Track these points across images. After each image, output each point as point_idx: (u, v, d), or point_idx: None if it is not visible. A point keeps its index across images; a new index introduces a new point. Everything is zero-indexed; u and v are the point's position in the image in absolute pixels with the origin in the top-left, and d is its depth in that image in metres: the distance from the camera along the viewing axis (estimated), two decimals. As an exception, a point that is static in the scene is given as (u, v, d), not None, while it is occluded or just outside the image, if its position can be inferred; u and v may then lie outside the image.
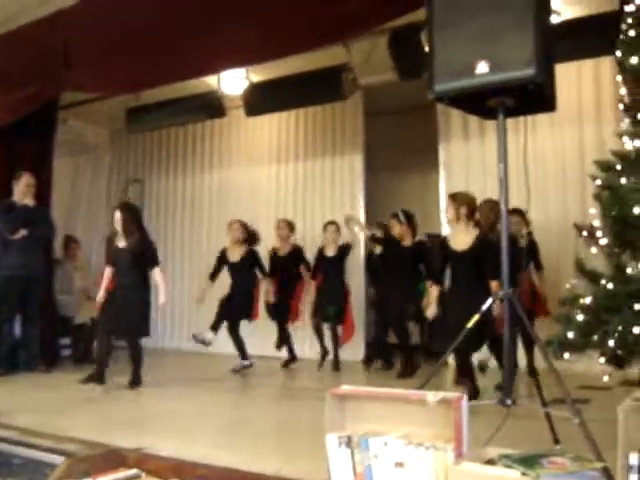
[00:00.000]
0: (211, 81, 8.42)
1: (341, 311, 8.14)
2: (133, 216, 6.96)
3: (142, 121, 8.99)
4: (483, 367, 6.20)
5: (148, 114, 8.81)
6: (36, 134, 8.48)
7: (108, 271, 6.99)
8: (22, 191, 7.72)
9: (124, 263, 6.81)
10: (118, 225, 6.82)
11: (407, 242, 7.83)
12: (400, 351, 7.60)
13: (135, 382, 6.69)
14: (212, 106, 8.49)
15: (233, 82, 8.42)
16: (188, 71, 6.95)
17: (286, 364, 8.45)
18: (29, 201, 7.74)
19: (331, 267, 8.23)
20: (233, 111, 9.20)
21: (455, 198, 5.77)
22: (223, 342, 8.70)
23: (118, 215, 6.84)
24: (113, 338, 7.01)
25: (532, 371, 6.19)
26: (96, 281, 7.83)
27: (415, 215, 7.94)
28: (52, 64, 7.43)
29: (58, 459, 3.77)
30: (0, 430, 4.56)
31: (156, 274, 6.84)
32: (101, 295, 6.89)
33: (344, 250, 8.22)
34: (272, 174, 9.96)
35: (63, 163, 9.98)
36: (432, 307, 5.94)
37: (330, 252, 8.26)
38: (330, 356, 8.14)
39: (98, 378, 6.59)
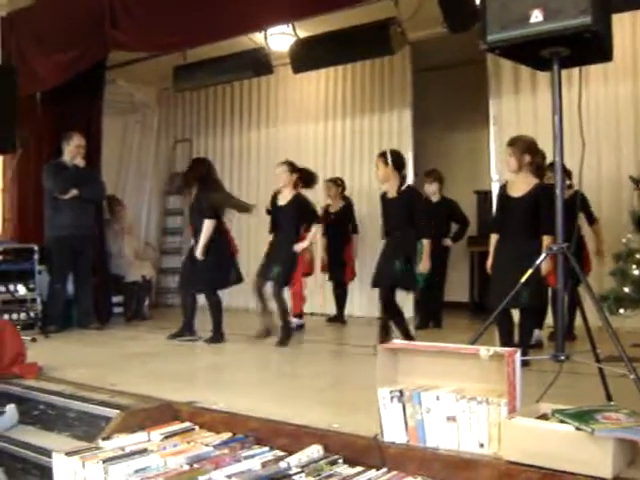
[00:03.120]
0: (258, 38, 8.35)
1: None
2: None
3: (189, 79, 8.96)
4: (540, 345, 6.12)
5: (195, 72, 8.77)
6: (85, 94, 8.53)
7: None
8: (72, 152, 7.80)
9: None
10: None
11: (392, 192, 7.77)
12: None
13: (214, 338, 6.83)
14: (259, 63, 8.41)
15: (280, 38, 8.33)
16: (234, 28, 6.89)
17: (332, 320, 8.51)
18: (79, 162, 7.82)
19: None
20: (280, 68, 9.13)
21: (517, 146, 5.46)
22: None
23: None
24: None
25: (570, 332, 6.11)
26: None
27: (404, 159, 7.04)
28: (98, 24, 7.43)
29: (112, 412, 3.84)
30: (54, 384, 4.66)
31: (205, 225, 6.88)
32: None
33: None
34: (319, 131, 9.89)
35: (112, 123, 10.03)
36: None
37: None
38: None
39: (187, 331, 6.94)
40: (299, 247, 6.81)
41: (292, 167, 7.06)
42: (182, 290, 7.23)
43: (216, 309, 6.91)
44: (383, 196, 6.57)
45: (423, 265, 6.20)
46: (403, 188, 6.39)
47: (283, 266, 6.75)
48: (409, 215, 6.26)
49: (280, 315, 6.75)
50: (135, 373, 5.16)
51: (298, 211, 6.93)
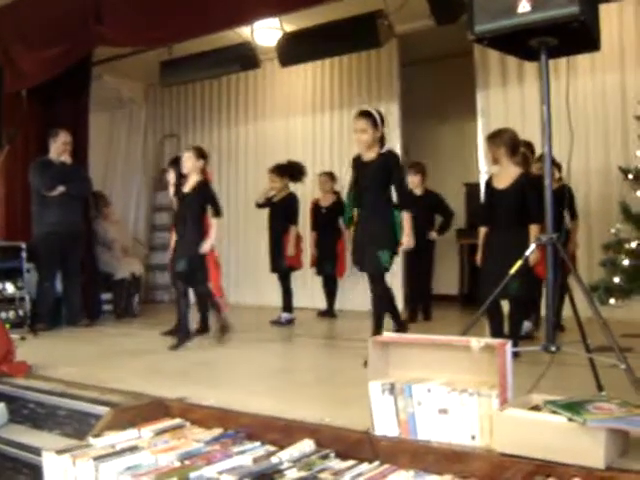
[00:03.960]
0: (244, 32, 8.33)
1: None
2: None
3: (176, 74, 8.94)
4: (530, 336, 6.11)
5: (182, 67, 8.75)
6: (71, 91, 8.48)
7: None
8: (59, 149, 7.76)
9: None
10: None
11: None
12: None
13: (223, 329, 6.69)
14: (246, 57, 8.39)
15: (266, 32, 8.32)
16: (221, 22, 6.86)
17: (323, 314, 8.52)
18: (66, 158, 7.79)
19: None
20: (267, 62, 9.13)
21: (494, 139, 5.51)
22: (257, 294, 8.79)
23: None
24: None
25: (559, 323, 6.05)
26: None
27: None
28: (83, 20, 7.38)
29: (103, 410, 3.81)
30: (44, 382, 4.63)
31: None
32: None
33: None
34: (308, 124, 9.88)
35: (99, 119, 10.00)
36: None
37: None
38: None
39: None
40: (205, 248, 6.45)
41: (198, 153, 6.66)
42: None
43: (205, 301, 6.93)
44: (356, 162, 5.67)
45: (406, 240, 5.37)
46: (383, 151, 5.48)
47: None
48: (387, 182, 5.44)
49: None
50: (125, 370, 5.13)
51: (201, 199, 6.57)
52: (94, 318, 8.24)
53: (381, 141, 5.49)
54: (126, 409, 3.70)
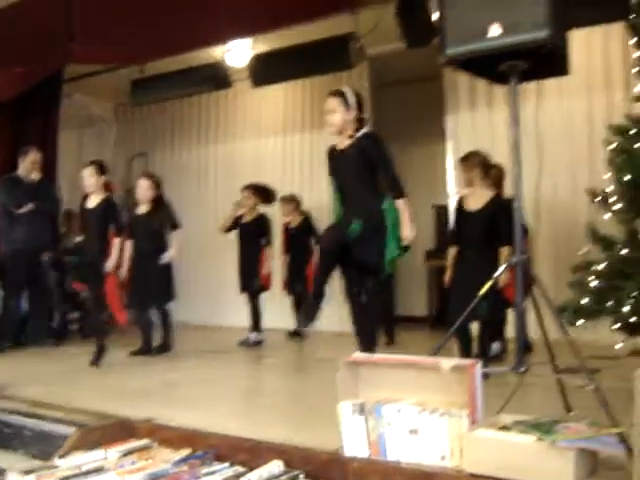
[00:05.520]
0: (216, 52, 8.35)
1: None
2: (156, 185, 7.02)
3: (147, 93, 8.93)
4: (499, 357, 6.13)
5: (153, 86, 8.75)
6: (41, 108, 8.44)
7: (128, 244, 6.92)
8: (28, 167, 7.68)
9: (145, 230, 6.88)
10: (142, 194, 6.86)
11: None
12: None
13: (165, 347, 6.83)
14: (217, 77, 8.42)
15: (238, 53, 8.35)
16: (193, 41, 6.90)
17: (292, 335, 8.49)
18: (35, 176, 7.71)
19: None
20: (239, 82, 9.12)
21: (467, 162, 5.58)
22: (227, 314, 8.75)
23: (145, 183, 6.88)
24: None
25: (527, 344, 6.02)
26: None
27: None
28: (55, 37, 7.37)
29: (69, 430, 3.76)
30: (10, 402, 4.56)
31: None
32: (125, 269, 6.84)
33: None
34: (278, 145, 9.90)
35: (68, 137, 9.92)
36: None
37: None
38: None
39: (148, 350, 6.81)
40: (108, 267, 6.47)
41: (99, 169, 6.55)
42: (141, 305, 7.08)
43: (170, 321, 6.98)
44: (331, 152, 5.02)
45: (407, 232, 4.67)
46: (359, 135, 4.78)
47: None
48: (370, 169, 4.77)
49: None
50: (91, 390, 5.08)
51: (105, 217, 6.51)
52: (60, 337, 8.13)
53: (359, 125, 4.80)
54: (92, 429, 3.64)
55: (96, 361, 6.18)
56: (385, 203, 4.68)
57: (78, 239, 6.46)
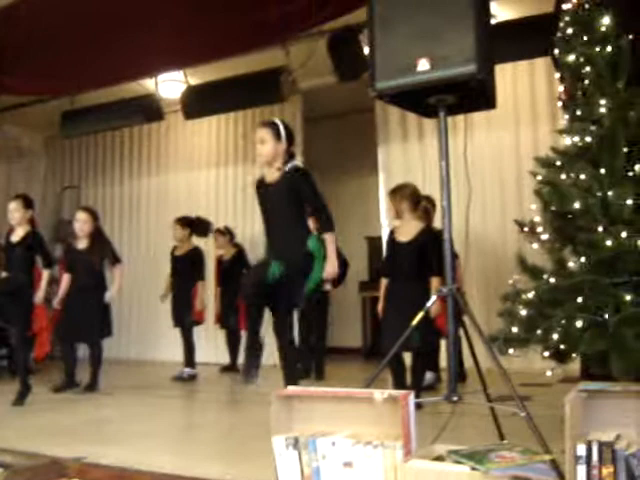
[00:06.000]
0: (148, 85, 8.30)
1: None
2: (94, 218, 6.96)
3: (77, 125, 8.82)
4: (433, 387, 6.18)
5: (83, 118, 8.65)
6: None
7: (66, 277, 6.88)
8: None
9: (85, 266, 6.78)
10: (80, 227, 6.79)
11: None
12: None
13: (92, 386, 6.69)
14: (149, 109, 8.37)
15: (171, 85, 8.32)
16: (124, 74, 6.87)
17: (226, 369, 8.40)
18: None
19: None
20: (171, 115, 9.11)
21: (396, 194, 5.64)
22: (160, 349, 8.61)
23: (83, 216, 6.82)
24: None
25: (461, 373, 6.02)
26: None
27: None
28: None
29: (-5, 472, 3.65)
30: None
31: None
32: (58, 302, 6.79)
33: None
34: (211, 178, 9.88)
35: (-5, 170, 9.75)
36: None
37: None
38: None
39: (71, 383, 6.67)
40: (37, 299, 6.46)
41: (26, 203, 6.48)
42: (68, 340, 6.94)
43: (100, 359, 6.85)
44: (260, 184, 4.91)
45: (330, 268, 4.62)
46: (287, 168, 4.69)
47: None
48: (299, 204, 4.69)
49: None
50: (19, 429, 4.93)
51: (30, 250, 6.39)
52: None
53: (288, 157, 4.75)
54: (20, 470, 3.54)
55: (20, 400, 6.00)
56: (311, 241, 4.64)
57: (4, 274, 6.28)
